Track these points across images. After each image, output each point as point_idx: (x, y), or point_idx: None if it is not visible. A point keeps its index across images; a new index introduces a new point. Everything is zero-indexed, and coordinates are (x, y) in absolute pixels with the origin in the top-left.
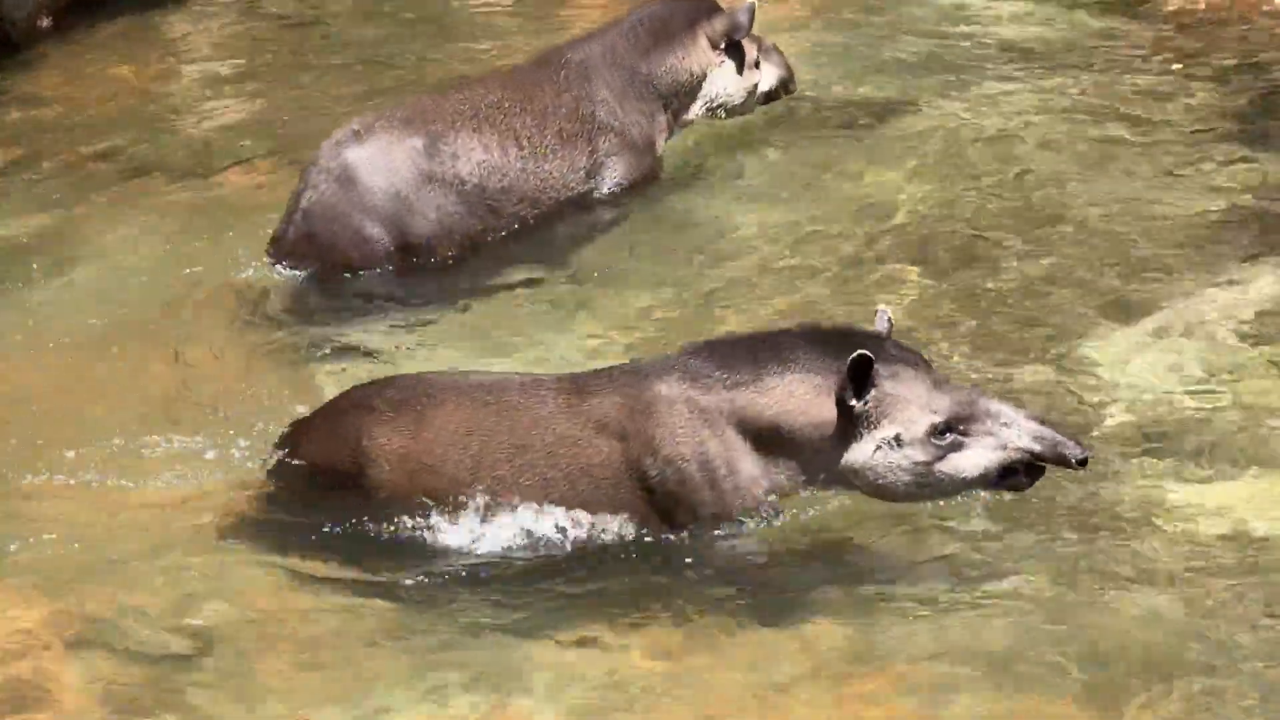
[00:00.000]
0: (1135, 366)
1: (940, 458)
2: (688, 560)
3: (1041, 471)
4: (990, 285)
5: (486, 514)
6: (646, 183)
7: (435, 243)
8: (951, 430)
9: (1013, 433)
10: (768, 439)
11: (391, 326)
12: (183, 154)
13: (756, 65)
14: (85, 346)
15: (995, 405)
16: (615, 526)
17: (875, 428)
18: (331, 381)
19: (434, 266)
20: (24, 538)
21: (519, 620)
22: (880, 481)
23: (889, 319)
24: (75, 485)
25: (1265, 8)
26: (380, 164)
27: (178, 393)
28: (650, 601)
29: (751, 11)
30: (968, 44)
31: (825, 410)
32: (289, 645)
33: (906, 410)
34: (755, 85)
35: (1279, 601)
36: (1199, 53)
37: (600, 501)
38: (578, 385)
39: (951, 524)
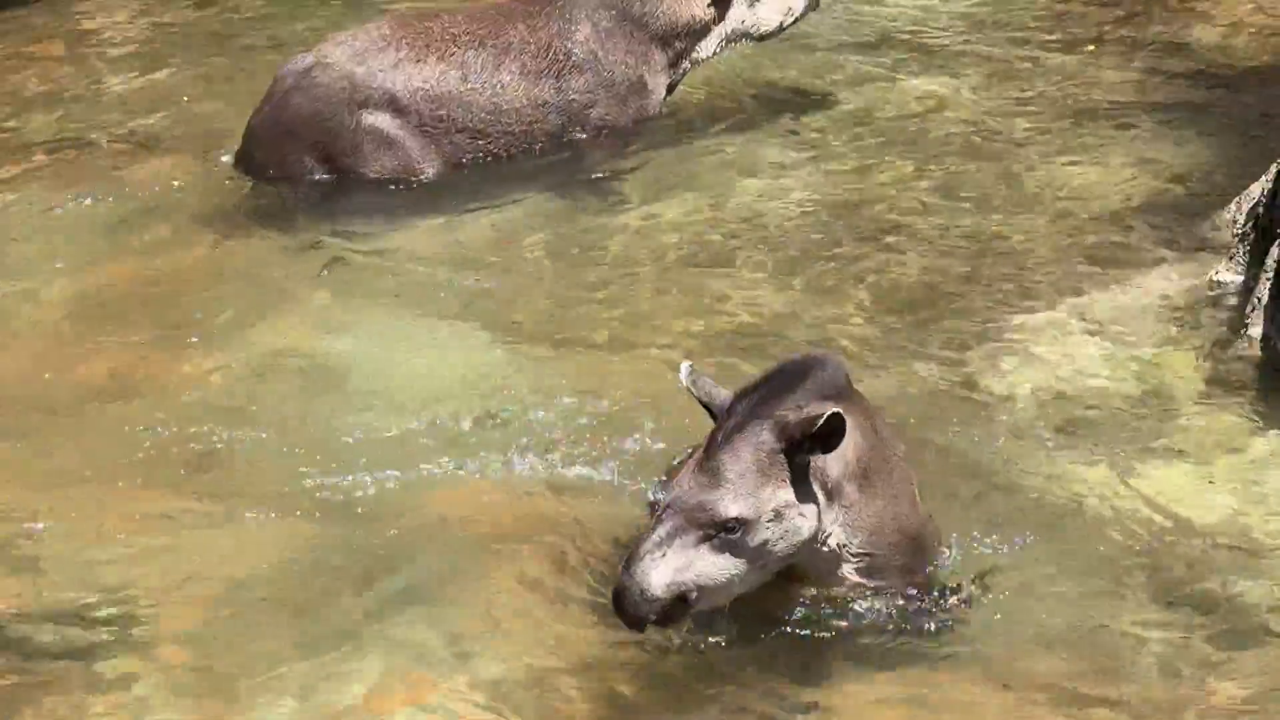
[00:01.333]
0: (1047, 354)
1: None
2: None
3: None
4: (900, 275)
5: None
6: (633, 124)
7: (363, 163)
8: None
9: None
10: None
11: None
12: (86, 131)
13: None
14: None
15: None
16: None
17: None
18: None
19: (367, 184)
20: None
21: None
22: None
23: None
24: None
25: None
26: (313, 83)
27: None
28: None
29: None
30: (885, 24)
31: None
32: None
33: None
34: (788, 7)
35: (1185, 578)
36: (1121, 38)
37: None
38: None
39: None
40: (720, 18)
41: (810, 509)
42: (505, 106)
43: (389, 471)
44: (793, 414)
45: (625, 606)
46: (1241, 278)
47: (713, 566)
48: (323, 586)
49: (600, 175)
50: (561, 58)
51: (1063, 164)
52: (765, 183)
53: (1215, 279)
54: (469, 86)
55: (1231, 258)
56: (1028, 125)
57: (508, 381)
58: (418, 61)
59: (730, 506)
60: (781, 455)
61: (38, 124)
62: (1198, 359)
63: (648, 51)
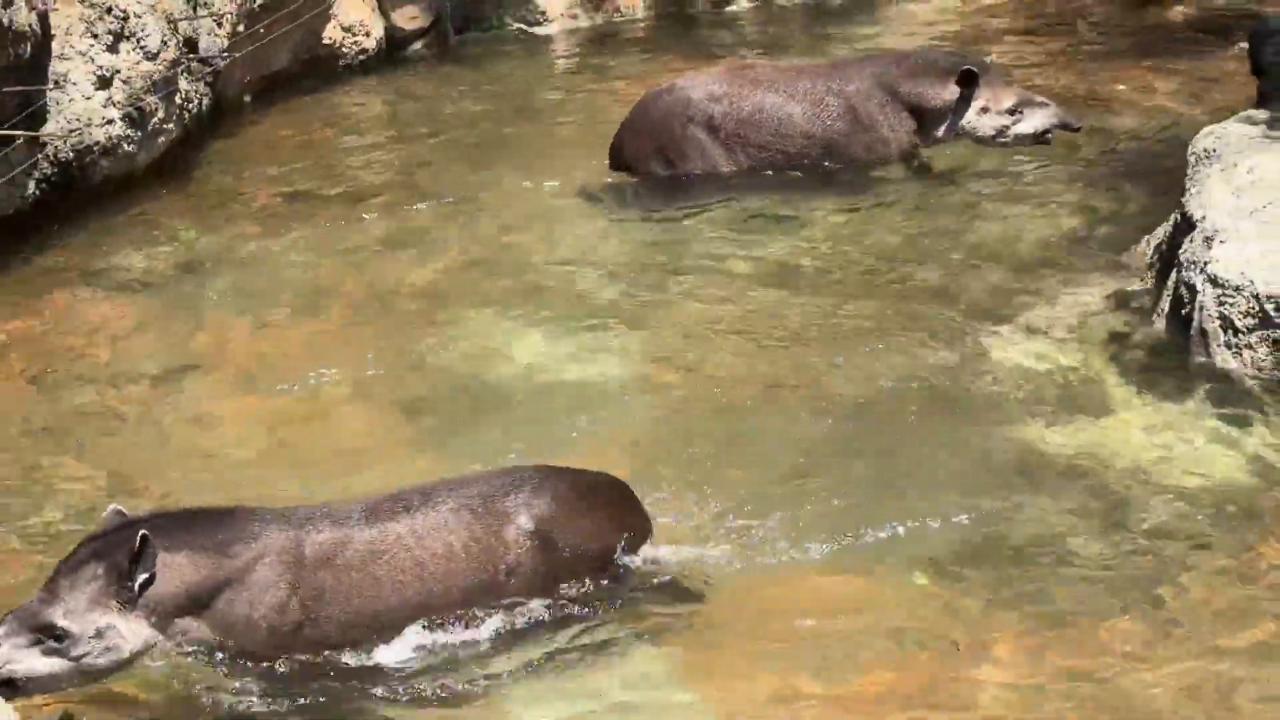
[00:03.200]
0: (1016, 349)
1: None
2: None
3: None
4: (909, 288)
5: None
6: (876, 164)
7: (685, 161)
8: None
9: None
10: None
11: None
12: (344, 192)
13: (1011, 112)
14: None
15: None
16: None
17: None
18: None
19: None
20: None
21: None
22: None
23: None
24: None
25: None
26: (662, 102)
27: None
28: None
29: (980, 66)
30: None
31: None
32: None
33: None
34: (1004, 127)
35: (1122, 511)
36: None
37: None
38: None
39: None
40: (958, 113)
41: (135, 629)
42: (786, 133)
43: None
44: (115, 540)
45: None
46: (1147, 295)
47: (38, 666)
48: None
49: (841, 187)
50: (834, 108)
51: (1020, 215)
52: (911, 220)
53: (1128, 293)
54: (763, 116)
55: (1143, 279)
56: (990, 187)
57: None
58: (731, 95)
59: (57, 618)
60: (111, 580)
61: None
62: (1120, 348)
63: (895, 116)
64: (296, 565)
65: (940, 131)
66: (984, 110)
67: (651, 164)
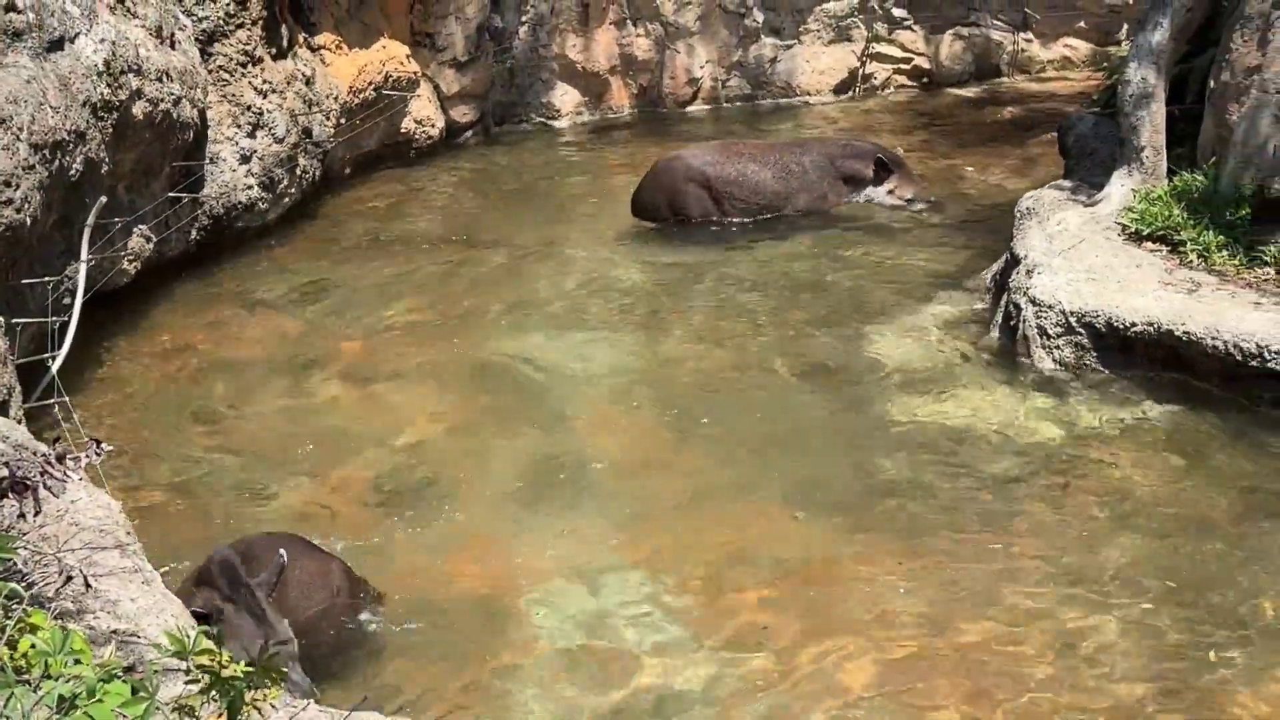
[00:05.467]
0: (896, 345)
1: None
2: None
3: None
4: (823, 299)
5: None
6: (816, 213)
7: (686, 210)
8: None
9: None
10: None
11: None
12: (419, 238)
13: (891, 192)
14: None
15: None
16: None
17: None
18: None
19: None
20: None
21: None
22: None
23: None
24: None
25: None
26: (670, 166)
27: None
28: None
29: (895, 162)
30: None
31: None
32: None
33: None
34: (899, 205)
35: (968, 464)
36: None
37: None
38: None
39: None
40: (874, 188)
41: None
42: (761, 190)
43: None
44: None
45: None
46: (987, 310)
47: None
48: None
49: (793, 229)
50: (793, 172)
51: (901, 253)
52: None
53: (975, 309)
54: (744, 178)
55: (983, 299)
56: (883, 234)
57: None
58: (722, 163)
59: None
60: None
61: (392, 231)
62: (967, 348)
63: (833, 182)
64: None
65: (859, 198)
66: (890, 192)
67: (661, 211)
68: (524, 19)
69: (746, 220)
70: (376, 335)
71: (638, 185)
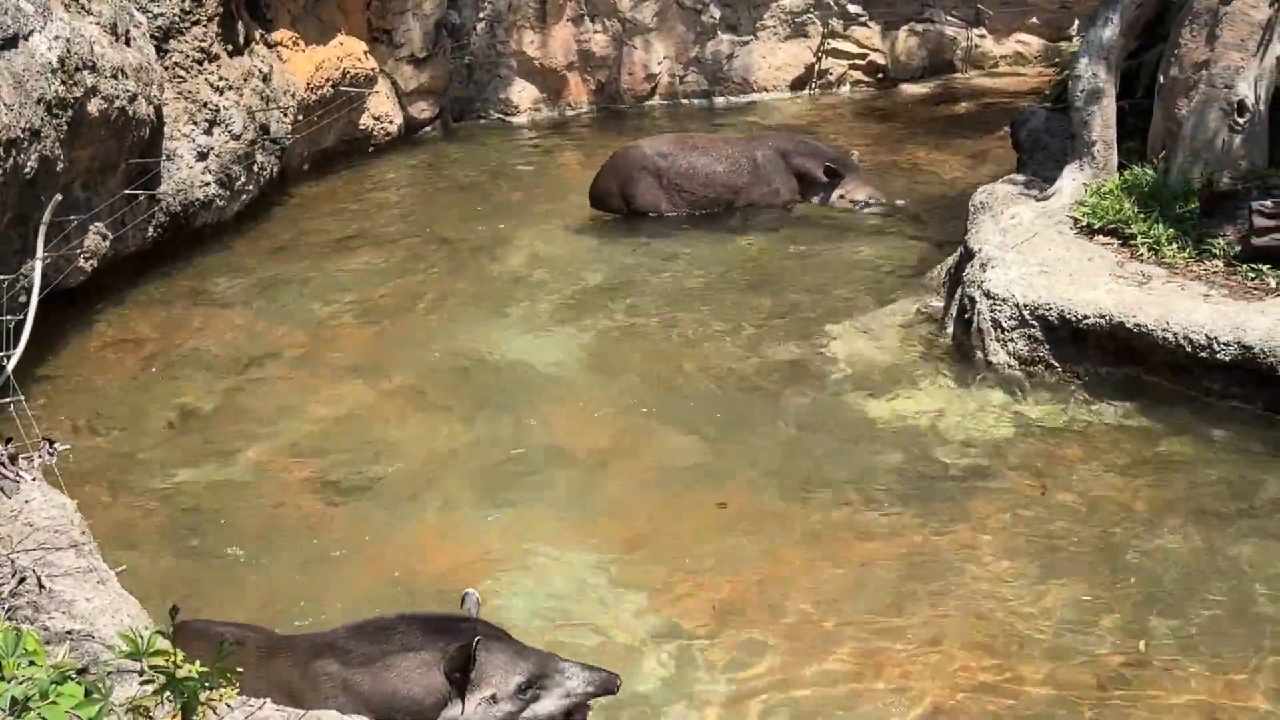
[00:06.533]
0: (852, 339)
1: (523, 708)
2: None
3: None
4: (771, 296)
5: None
6: (767, 208)
7: (637, 199)
8: (531, 686)
9: (574, 682)
10: (387, 707)
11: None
12: (377, 233)
13: (843, 196)
14: None
15: (562, 663)
16: None
17: (476, 690)
18: None
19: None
20: None
21: None
22: None
23: (476, 600)
24: None
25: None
26: (625, 155)
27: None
28: None
29: (846, 166)
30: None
31: (436, 680)
32: None
33: (496, 675)
34: (849, 207)
35: (923, 453)
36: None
37: None
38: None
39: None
40: (825, 190)
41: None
42: (711, 183)
43: None
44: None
45: None
46: (942, 305)
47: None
48: None
49: (749, 225)
50: (745, 166)
51: (855, 249)
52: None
53: (930, 303)
54: (695, 170)
55: (938, 294)
56: (837, 230)
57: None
58: (674, 154)
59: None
60: None
61: (351, 228)
62: (922, 342)
63: (785, 178)
64: None
65: (815, 199)
66: (841, 196)
67: (613, 199)
68: (482, 15)
69: (699, 212)
70: (332, 328)
71: (597, 173)
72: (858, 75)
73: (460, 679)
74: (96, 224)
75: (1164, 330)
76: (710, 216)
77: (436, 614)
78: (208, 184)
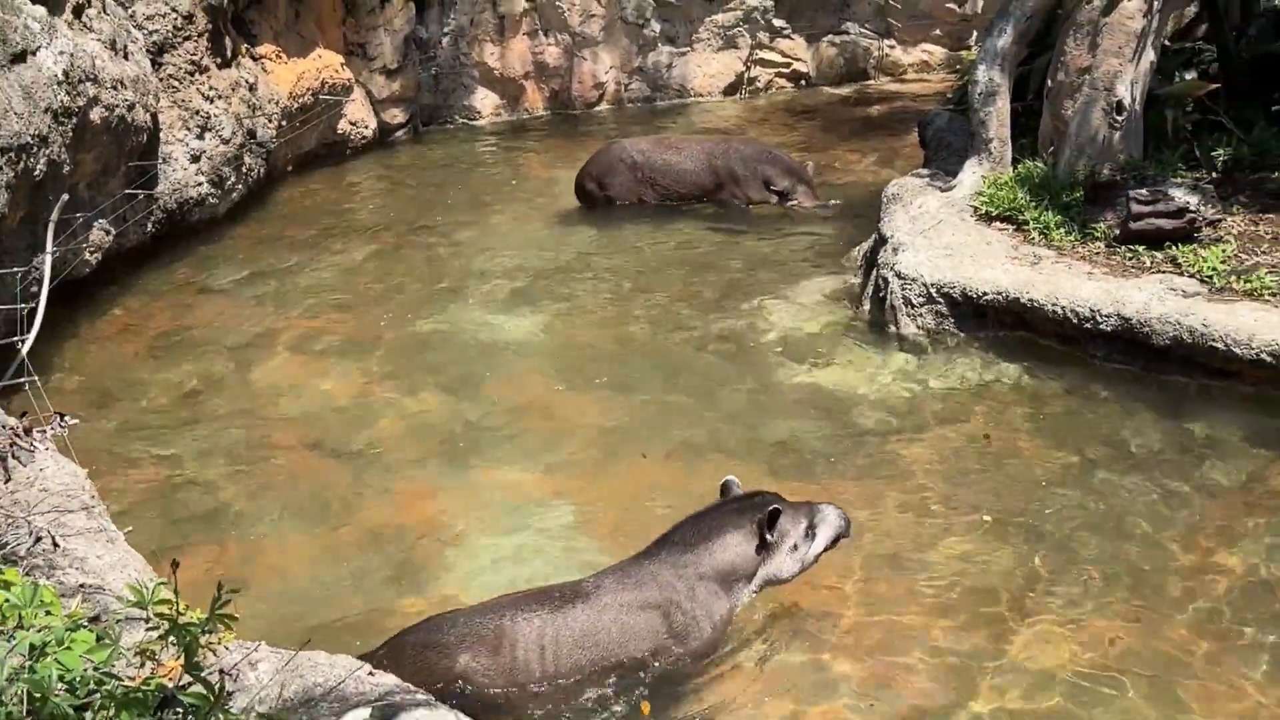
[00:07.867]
0: (781, 316)
1: (810, 547)
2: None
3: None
4: (711, 279)
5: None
6: (731, 205)
7: (614, 191)
8: (811, 528)
9: (833, 518)
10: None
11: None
12: (356, 227)
13: (794, 205)
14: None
15: (819, 507)
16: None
17: (783, 542)
18: None
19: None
20: None
21: None
22: (788, 573)
23: (736, 482)
24: None
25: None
26: (608, 152)
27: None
28: None
29: (801, 178)
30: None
31: (753, 547)
32: None
33: (791, 528)
34: (794, 205)
35: (841, 417)
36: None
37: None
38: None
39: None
40: (784, 194)
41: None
42: (682, 180)
43: None
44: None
45: None
46: (859, 283)
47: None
48: None
49: (712, 220)
50: (715, 165)
51: (785, 237)
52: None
53: (849, 283)
54: (668, 166)
55: (856, 274)
56: (773, 221)
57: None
58: (651, 151)
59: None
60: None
61: (326, 222)
62: (842, 317)
63: (750, 180)
64: None
65: (773, 200)
66: (794, 205)
67: (593, 189)
68: (447, 30)
69: (668, 203)
70: (318, 314)
71: (581, 168)
72: (783, 82)
73: (774, 539)
74: (100, 221)
75: (1054, 304)
76: (665, 209)
77: (731, 499)
78: (201, 184)
